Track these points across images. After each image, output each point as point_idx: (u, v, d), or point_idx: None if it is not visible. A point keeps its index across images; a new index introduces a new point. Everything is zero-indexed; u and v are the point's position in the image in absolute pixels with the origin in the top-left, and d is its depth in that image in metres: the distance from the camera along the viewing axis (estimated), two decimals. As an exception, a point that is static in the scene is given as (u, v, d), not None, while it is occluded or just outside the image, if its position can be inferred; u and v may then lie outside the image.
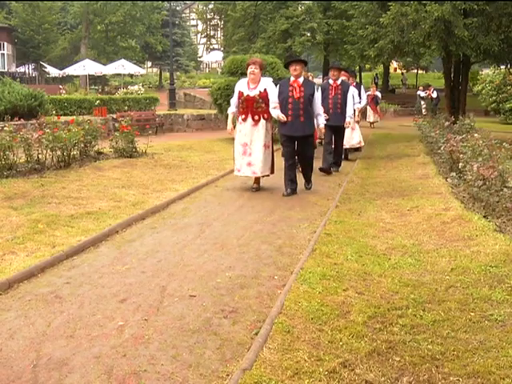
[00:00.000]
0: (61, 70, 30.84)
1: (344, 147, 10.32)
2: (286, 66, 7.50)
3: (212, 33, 44.83)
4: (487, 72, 27.59)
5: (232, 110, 7.43)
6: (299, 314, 3.33)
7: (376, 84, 40.73)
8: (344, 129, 9.51)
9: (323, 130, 7.53)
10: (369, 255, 4.58)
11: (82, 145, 9.07)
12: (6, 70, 31.48)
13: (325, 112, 8.48)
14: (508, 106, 22.55)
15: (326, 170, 9.02)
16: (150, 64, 51.22)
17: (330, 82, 9.35)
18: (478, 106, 24.31)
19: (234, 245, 4.91)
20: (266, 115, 7.18)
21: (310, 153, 7.50)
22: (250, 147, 7.19)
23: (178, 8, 48.76)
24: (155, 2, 38.47)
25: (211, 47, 49.33)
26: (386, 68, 39.05)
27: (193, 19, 54.31)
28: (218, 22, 40.43)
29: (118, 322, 3.26)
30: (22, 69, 35.07)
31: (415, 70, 43.83)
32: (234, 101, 7.36)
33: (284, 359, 2.78)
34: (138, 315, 3.35)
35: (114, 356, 2.85)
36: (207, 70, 50.28)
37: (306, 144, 7.31)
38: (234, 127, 7.50)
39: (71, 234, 5.00)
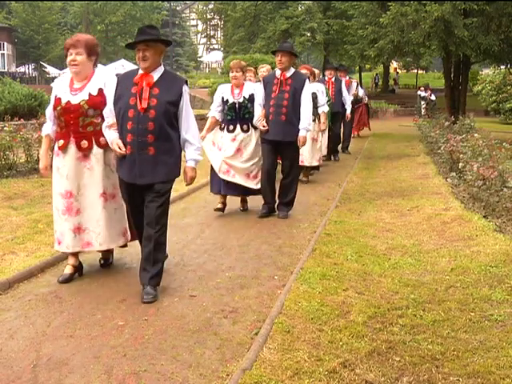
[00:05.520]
0: (61, 69, 30.83)
1: (302, 164, 7.24)
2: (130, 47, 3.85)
3: (212, 33, 44.93)
4: (487, 72, 27.59)
5: (46, 129, 4.04)
6: (299, 314, 3.33)
7: (376, 84, 40.68)
8: (295, 147, 5.98)
9: (191, 174, 3.78)
10: (369, 255, 4.58)
11: (82, 145, 9.05)
12: (6, 69, 31.52)
13: (264, 117, 5.84)
14: (508, 106, 22.54)
15: (265, 215, 6.05)
16: (150, 64, 51.10)
17: (277, 73, 5.97)
18: (478, 105, 24.29)
19: (234, 245, 4.92)
20: (104, 138, 3.88)
21: (161, 213, 3.70)
22: (78, 199, 3.91)
23: (178, 8, 48.85)
24: (155, 1, 38.55)
25: (211, 47, 49.38)
26: (386, 68, 39.03)
27: (193, 19, 54.34)
28: (218, 22, 40.56)
29: (117, 322, 3.26)
30: (22, 69, 35.18)
31: (415, 70, 43.80)
32: (48, 113, 4.00)
33: (284, 359, 2.78)
34: (138, 315, 3.36)
35: (114, 356, 2.85)
36: (207, 70, 50.23)
37: (155, 196, 3.68)
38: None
39: (71, 234, 4.99)
